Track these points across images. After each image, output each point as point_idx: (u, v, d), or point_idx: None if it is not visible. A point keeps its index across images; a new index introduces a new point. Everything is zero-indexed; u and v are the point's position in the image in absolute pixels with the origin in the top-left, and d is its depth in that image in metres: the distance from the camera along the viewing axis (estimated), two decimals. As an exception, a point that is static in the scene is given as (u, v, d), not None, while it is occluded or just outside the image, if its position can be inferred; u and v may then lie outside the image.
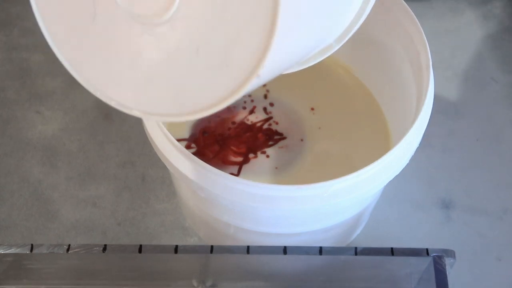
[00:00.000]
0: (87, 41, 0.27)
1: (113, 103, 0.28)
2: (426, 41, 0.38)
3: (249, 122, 0.47)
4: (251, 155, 0.46)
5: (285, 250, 0.36)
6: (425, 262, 0.36)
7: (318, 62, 0.51)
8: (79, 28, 0.27)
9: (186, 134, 0.47)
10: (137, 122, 0.52)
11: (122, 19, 0.26)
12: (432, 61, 0.37)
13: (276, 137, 0.47)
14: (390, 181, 0.36)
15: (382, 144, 0.46)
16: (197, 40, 0.24)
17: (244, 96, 0.49)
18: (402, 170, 0.36)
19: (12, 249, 0.36)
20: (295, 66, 0.34)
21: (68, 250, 0.36)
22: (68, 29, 0.28)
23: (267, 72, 0.24)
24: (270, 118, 0.48)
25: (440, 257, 0.35)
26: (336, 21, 0.33)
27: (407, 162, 0.36)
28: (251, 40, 0.23)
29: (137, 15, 0.25)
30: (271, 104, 0.48)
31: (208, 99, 0.25)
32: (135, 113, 0.27)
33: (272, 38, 0.23)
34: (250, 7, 0.23)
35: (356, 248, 0.36)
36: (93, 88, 0.28)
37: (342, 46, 0.49)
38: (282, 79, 0.50)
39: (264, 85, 0.49)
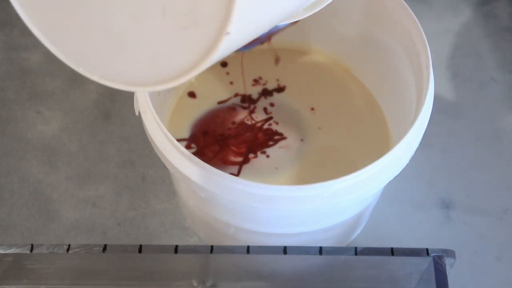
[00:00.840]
0: (61, 15, 0.27)
1: (95, 78, 0.27)
2: (426, 41, 0.38)
3: (249, 122, 0.47)
4: (251, 155, 0.46)
5: (285, 250, 0.36)
6: (425, 262, 0.36)
7: (318, 62, 0.51)
8: (52, 2, 0.27)
9: (186, 134, 0.47)
10: (137, 122, 0.52)
11: None
12: (432, 61, 0.37)
13: (276, 137, 0.47)
14: (390, 181, 0.35)
15: (382, 144, 0.46)
16: (161, 0, 0.23)
17: (244, 96, 0.49)
18: (402, 170, 0.36)
19: (12, 249, 0.36)
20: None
21: (68, 250, 0.36)
22: (42, 5, 0.27)
23: (239, 29, 0.22)
24: (270, 118, 0.48)
25: (440, 257, 0.35)
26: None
27: (407, 162, 0.36)
28: None
29: None
30: (271, 104, 0.48)
31: (183, 63, 0.24)
32: (118, 85, 0.26)
33: None
34: None
35: (356, 248, 0.36)
36: (75, 63, 0.27)
37: (342, 46, 0.49)
38: (282, 79, 0.50)
39: (264, 84, 0.49)
